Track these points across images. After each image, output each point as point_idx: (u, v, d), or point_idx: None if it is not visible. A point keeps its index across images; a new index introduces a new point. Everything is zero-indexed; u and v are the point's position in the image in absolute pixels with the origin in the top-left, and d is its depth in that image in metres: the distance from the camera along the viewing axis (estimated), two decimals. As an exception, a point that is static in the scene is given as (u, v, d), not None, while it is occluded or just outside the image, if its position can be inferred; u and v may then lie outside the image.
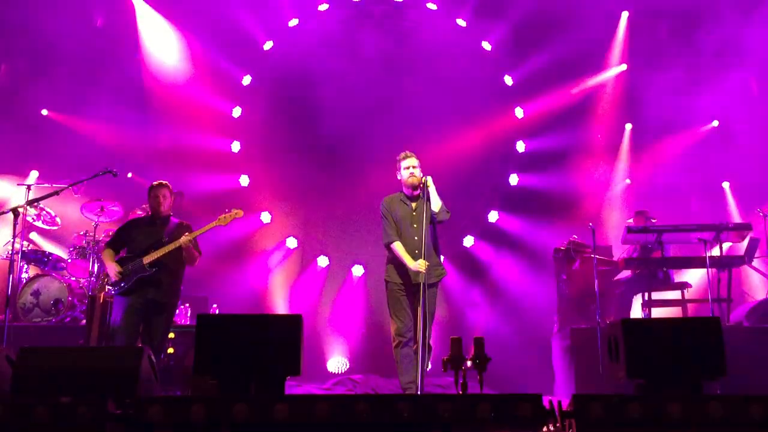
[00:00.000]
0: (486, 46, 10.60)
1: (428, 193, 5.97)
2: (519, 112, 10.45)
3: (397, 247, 6.08)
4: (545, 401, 3.44)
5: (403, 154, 6.27)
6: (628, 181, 10.46)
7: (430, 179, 6.02)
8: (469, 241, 10.18)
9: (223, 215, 6.49)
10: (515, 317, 9.33)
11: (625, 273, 8.29)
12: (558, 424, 3.34)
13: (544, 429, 3.33)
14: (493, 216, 10.26)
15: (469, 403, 3.26)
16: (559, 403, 3.37)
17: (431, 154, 9.00)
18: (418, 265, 5.87)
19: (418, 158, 6.24)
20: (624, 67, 10.60)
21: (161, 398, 3.49)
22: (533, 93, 10.28)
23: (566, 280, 8.29)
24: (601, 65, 10.59)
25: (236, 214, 6.55)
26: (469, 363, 4.90)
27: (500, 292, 9.71)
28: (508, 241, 10.01)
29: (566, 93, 10.30)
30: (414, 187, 6.19)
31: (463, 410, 3.24)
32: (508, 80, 10.55)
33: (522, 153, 10.43)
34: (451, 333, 5.34)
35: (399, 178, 6.29)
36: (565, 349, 7.59)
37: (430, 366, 5.72)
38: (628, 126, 10.59)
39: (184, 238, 6.24)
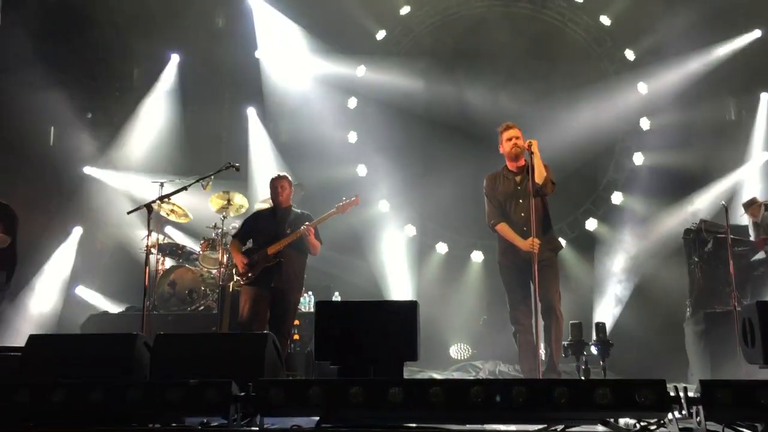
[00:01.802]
0: (604, 20, 10.18)
1: (532, 162, 5.58)
2: (642, 88, 9.95)
3: (502, 228, 5.82)
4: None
5: (504, 125, 5.98)
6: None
7: (535, 144, 5.60)
8: (591, 223, 9.86)
9: (341, 203, 6.65)
10: (643, 302, 8.94)
11: (763, 254, 7.74)
12: (684, 411, 3.17)
13: (669, 416, 3.17)
14: (616, 197, 9.87)
15: (587, 389, 3.17)
16: (685, 389, 3.20)
17: (550, 134, 8.79)
18: (530, 245, 5.53)
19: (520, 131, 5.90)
20: (758, 33, 9.85)
21: (282, 381, 3.62)
22: (657, 67, 9.75)
23: (698, 263, 7.85)
24: (731, 33, 9.89)
25: (353, 201, 6.68)
26: (591, 348, 4.77)
27: (626, 276, 9.32)
28: (634, 223, 9.59)
29: (693, 64, 9.68)
30: (517, 157, 5.86)
31: (580, 395, 3.14)
32: (630, 54, 10.07)
33: (646, 130, 9.94)
34: (572, 318, 5.17)
35: (501, 152, 5.99)
36: (699, 335, 7.19)
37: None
38: (765, 96, 9.84)
39: (305, 228, 6.43)
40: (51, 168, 10.10)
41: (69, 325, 8.96)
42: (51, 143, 10.35)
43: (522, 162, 5.87)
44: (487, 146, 8.87)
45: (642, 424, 3.20)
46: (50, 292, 9.80)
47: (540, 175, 5.64)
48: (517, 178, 5.90)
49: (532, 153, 5.58)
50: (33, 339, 4.37)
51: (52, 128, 10.35)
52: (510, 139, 5.89)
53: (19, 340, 7.10)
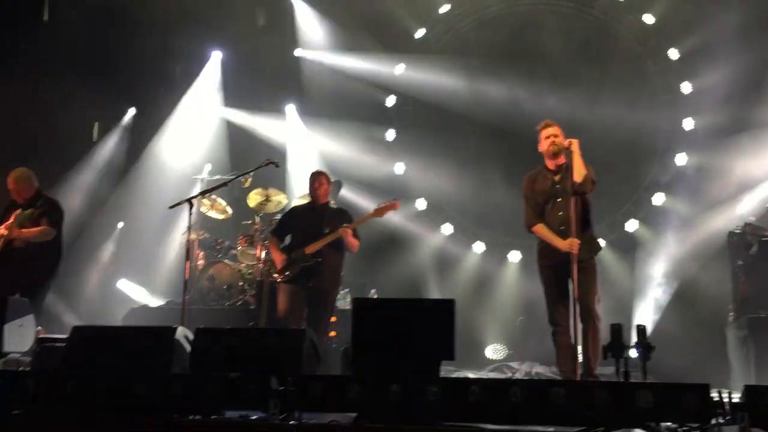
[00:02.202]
0: (648, 19, 10.01)
1: (573, 162, 5.48)
2: (686, 87, 9.76)
3: (540, 229, 5.71)
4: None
5: (543, 123, 5.86)
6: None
7: (576, 144, 5.51)
8: (632, 225, 9.71)
9: (380, 207, 6.66)
10: (684, 305, 8.77)
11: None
12: (728, 417, 3.11)
13: (713, 421, 3.11)
14: (658, 198, 9.70)
15: (628, 392, 3.12)
16: (729, 394, 3.14)
17: (591, 134, 8.67)
18: (569, 245, 5.44)
19: (562, 130, 5.79)
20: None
21: (321, 376, 3.65)
22: (701, 66, 9.55)
23: (742, 266, 7.67)
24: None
25: (392, 205, 6.69)
26: (631, 351, 4.69)
27: (667, 278, 9.16)
28: (676, 225, 9.41)
29: (738, 65, 9.44)
30: (555, 156, 5.72)
31: (621, 398, 3.10)
32: (673, 53, 9.89)
33: (689, 130, 9.75)
34: (612, 320, 5.10)
35: (540, 150, 5.85)
36: (742, 340, 7.03)
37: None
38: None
39: (343, 229, 6.45)
40: (94, 163, 10.31)
41: (111, 318, 9.13)
42: (94, 139, 10.56)
43: (561, 161, 5.77)
44: (526, 144, 8.83)
45: (684, 429, 3.14)
46: (93, 285, 10.01)
47: (580, 173, 5.54)
48: (556, 177, 5.80)
49: (572, 152, 5.51)
50: (77, 330, 4.46)
51: (96, 124, 10.55)
52: (548, 137, 5.78)
53: (64, 330, 7.27)
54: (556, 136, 5.76)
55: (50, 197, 6.92)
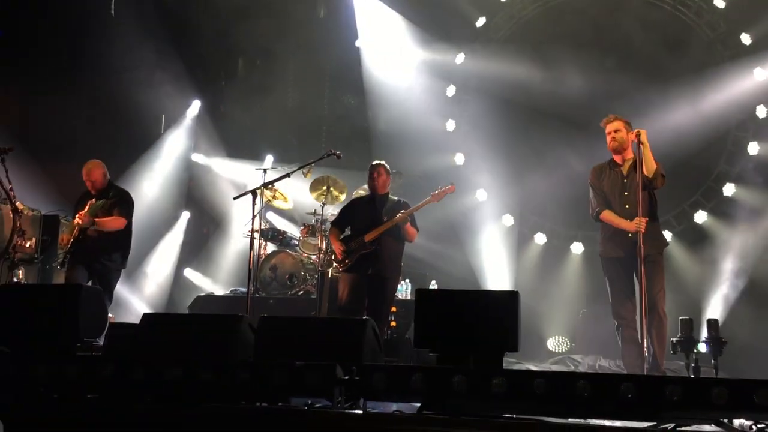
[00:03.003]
0: (719, 3, 9.66)
1: (640, 154, 5.39)
2: (759, 74, 9.39)
3: (607, 215, 5.67)
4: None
5: (606, 119, 5.81)
6: None
7: (644, 134, 5.40)
8: (701, 216, 9.42)
9: (437, 191, 6.65)
10: (756, 300, 8.47)
11: None
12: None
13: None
14: (728, 189, 9.38)
15: (699, 387, 3.04)
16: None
17: (657, 122, 8.44)
18: (636, 225, 5.35)
19: (628, 121, 5.73)
20: None
21: (385, 366, 3.66)
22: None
23: (818, 259, 7.39)
24: None
25: (448, 189, 6.67)
26: (701, 346, 4.57)
27: (737, 271, 8.85)
28: (747, 216, 9.09)
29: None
30: (618, 151, 5.71)
31: (693, 394, 3.02)
32: (746, 39, 9.52)
33: (763, 118, 9.39)
34: (679, 315, 4.97)
35: (608, 146, 5.84)
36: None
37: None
38: None
39: (401, 216, 6.46)
40: (162, 155, 10.58)
41: (177, 305, 9.38)
42: (162, 131, 10.83)
43: (628, 155, 5.68)
44: (590, 135, 8.66)
45: (760, 426, 3.04)
46: (160, 274, 10.29)
47: (649, 167, 5.43)
48: (624, 171, 5.72)
49: (640, 143, 5.39)
50: (146, 317, 4.58)
51: (163, 116, 10.82)
52: (609, 133, 5.74)
53: (133, 317, 7.51)
54: (617, 131, 5.71)
55: (121, 188, 7.14)
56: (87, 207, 6.67)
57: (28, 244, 7.47)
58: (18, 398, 3.66)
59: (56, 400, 3.63)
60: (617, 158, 5.80)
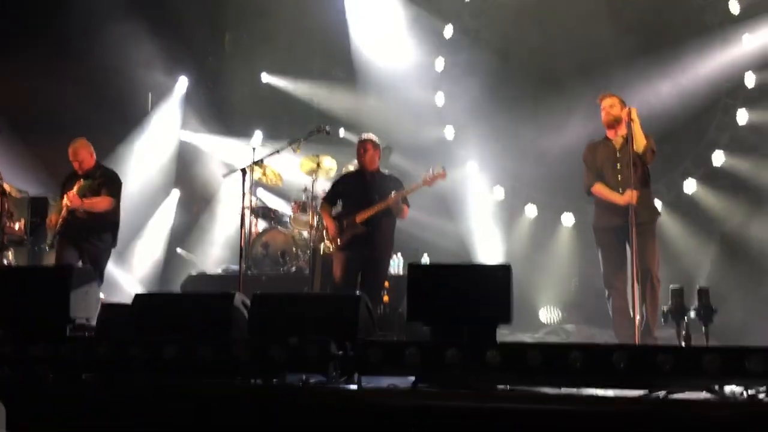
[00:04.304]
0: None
1: (631, 130, 5.56)
2: (749, 41, 9.35)
3: (599, 188, 5.83)
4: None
5: (602, 95, 6.01)
6: None
7: (634, 112, 5.59)
8: (690, 186, 9.45)
9: (428, 177, 6.63)
10: (745, 267, 8.54)
11: None
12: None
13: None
14: (718, 157, 9.40)
15: (693, 356, 3.07)
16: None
17: (646, 91, 8.45)
18: (628, 198, 5.47)
19: (622, 98, 5.93)
20: None
21: (380, 341, 3.68)
22: (765, 17, 9.13)
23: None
24: None
25: (440, 175, 6.65)
26: (692, 314, 4.60)
27: (728, 240, 8.91)
28: (737, 186, 9.13)
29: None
30: (612, 125, 5.87)
31: (686, 363, 3.05)
32: (734, 7, 9.47)
33: (752, 87, 9.38)
34: (673, 283, 5.01)
35: (602, 121, 6.03)
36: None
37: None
38: None
39: (392, 198, 6.48)
40: (149, 133, 10.50)
41: (169, 284, 9.37)
42: (149, 109, 10.72)
43: (622, 130, 5.82)
44: (581, 107, 8.67)
45: (750, 392, 3.08)
46: (151, 253, 10.26)
47: (639, 143, 5.60)
48: (617, 145, 5.89)
49: (631, 121, 5.51)
50: (139, 297, 4.57)
51: (150, 94, 10.71)
52: (604, 108, 5.92)
53: (125, 297, 7.49)
54: (612, 107, 5.88)
55: (109, 168, 7.10)
56: (75, 188, 6.62)
57: (17, 226, 7.43)
58: (13, 379, 3.66)
59: (52, 381, 3.64)
60: (611, 133, 5.96)
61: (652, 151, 5.73)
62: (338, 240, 6.62)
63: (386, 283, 7.28)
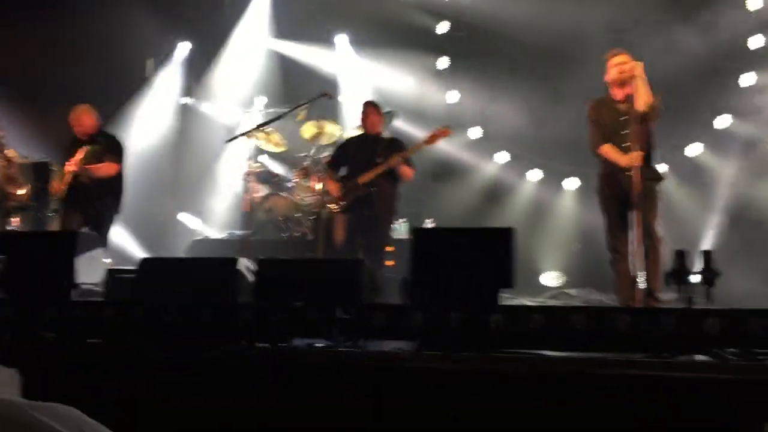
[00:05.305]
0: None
1: (636, 88, 5.42)
2: (752, 3, 9.21)
3: (605, 150, 5.71)
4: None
5: (611, 52, 5.81)
6: None
7: (639, 68, 5.45)
8: (694, 149, 9.40)
9: (431, 135, 6.61)
10: (751, 231, 8.54)
11: None
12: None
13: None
14: (721, 121, 9.32)
15: (695, 318, 3.09)
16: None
17: (649, 54, 8.33)
18: (631, 159, 5.41)
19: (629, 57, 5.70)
20: None
21: (384, 305, 3.71)
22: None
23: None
24: None
25: (443, 132, 6.63)
26: (695, 277, 4.61)
27: (731, 203, 8.89)
28: (741, 149, 9.08)
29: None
30: (623, 84, 5.66)
31: (688, 325, 3.07)
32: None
33: (755, 49, 9.26)
34: (676, 247, 5.02)
35: (606, 79, 5.84)
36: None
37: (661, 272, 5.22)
38: None
39: (395, 159, 6.45)
40: (151, 98, 10.44)
41: (174, 249, 9.41)
42: (150, 74, 10.65)
43: (628, 90, 5.65)
44: (588, 69, 8.57)
45: (752, 355, 3.10)
46: (154, 218, 10.28)
47: (644, 101, 5.45)
48: (622, 107, 5.71)
49: (637, 77, 5.39)
50: (145, 262, 4.60)
51: (152, 60, 10.63)
52: (615, 65, 5.71)
53: (129, 263, 7.53)
54: (623, 63, 5.66)
55: (112, 134, 7.08)
56: (78, 154, 6.61)
57: (21, 192, 7.43)
58: (20, 344, 3.70)
59: (57, 344, 3.68)
60: (618, 92, 5.77)
61: (659, 109, 5.56)
62: (340, 202, 6.62)
63: (391, 248, 7.30)
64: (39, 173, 7.81)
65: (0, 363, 1.00)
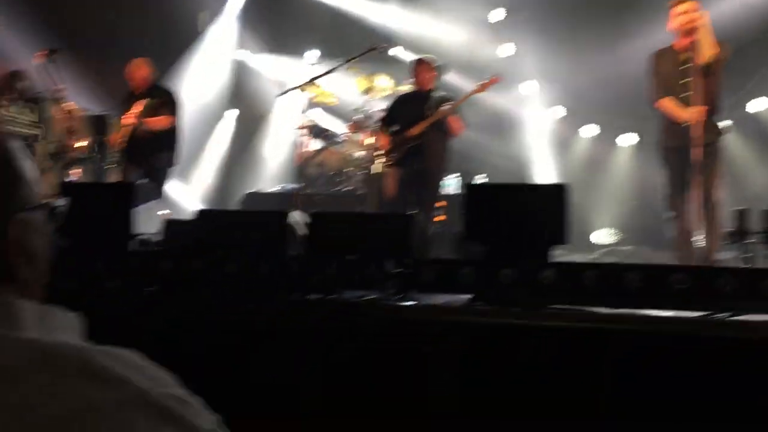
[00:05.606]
0: None
1: (700, 38, 5.16)
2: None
3: (665, 103, 5.49)
4: None
5: None
6: None
7: (705, 16, 5.18)
8: (757, 104, 9.03)
9: (481, 83, 6.54)
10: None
11: None
12: None
13: None
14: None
15: (755, 278, 3.00)
16: None
17: (716, 6, 8.00)
18: (692, 114, 5.22)
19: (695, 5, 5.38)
20: None
21: (435, 260, 3.70)
22: None
23: None
24: None
25: (493, 80, 6.54)
26: (755, 237, 4.49)
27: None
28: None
29: None
30: (688, 34, 5.33)
31: (747, 285, 2.99)
32: None
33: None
34: (737, 206, 4.88)
35: (669, 28, 5.52)
36: None
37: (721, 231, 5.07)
38: None
39: (445, 109, 6.39)
40: (204, 52, 10.50)
41: (227, 201, 9.57)
42: (203, 27, 10.69)
43: (693, 39, 5.38)
44: (648, 21, 8.27)
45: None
46: (209, 171, 10.45)
47: (707, 53, 5.20)
48: (684, 57, 5.45)
49: (700, 27, 5.15)
50: (202, 213, 4.67)
51: (206, 12, 10.66)
52: (681, 13, 5.38)
53: (184, 215, 7.69)
54: (688, 11, 5.33)
55: (167, 88, 7.17)
56: (135, 107, 6.72)
57: (81, 144, 7.61)
58: (80, 291, 3.82)
59: (116, 294, 3.79)
60: (682, 42, 5.47)
61: (723, 59, 5.27)
62: (391, 156, 6.61)
63: (444, 202, 7.27)
64: (98, 126, 7.97)
65: (64, 308, 1.03)
